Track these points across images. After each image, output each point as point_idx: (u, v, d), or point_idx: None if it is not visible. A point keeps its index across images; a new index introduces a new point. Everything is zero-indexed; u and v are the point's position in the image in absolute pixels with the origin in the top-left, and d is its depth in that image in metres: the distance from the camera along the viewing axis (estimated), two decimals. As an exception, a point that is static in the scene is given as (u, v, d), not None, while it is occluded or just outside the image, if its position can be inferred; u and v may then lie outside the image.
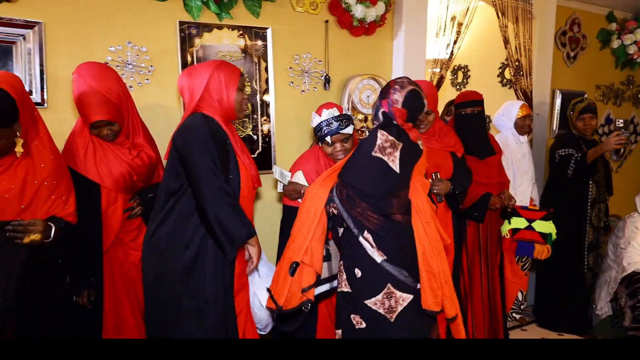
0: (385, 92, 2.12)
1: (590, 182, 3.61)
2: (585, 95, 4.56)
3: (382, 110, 2.10)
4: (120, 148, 2.21)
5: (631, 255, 3.51)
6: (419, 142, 2.17)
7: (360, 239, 2.01)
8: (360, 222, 2.01)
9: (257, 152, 3.01)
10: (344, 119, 2.41)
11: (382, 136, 2.01)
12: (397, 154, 2.01)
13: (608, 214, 3.78)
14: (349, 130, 2.41)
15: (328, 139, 2.38)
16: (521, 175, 3.55)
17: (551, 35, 4.25)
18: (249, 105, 2.94)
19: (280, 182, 2.48)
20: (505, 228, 3.08)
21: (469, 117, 3.08)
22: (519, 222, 3.02)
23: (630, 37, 4.74)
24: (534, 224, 2.97)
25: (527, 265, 3.58)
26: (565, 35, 4.48)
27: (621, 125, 3.32)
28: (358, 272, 2.04)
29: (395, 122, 2.07)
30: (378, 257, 1.99)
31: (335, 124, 2.38)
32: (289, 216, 2.47)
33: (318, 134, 2.45)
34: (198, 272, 1.96)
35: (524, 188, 3.55)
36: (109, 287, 2.24)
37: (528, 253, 3.04)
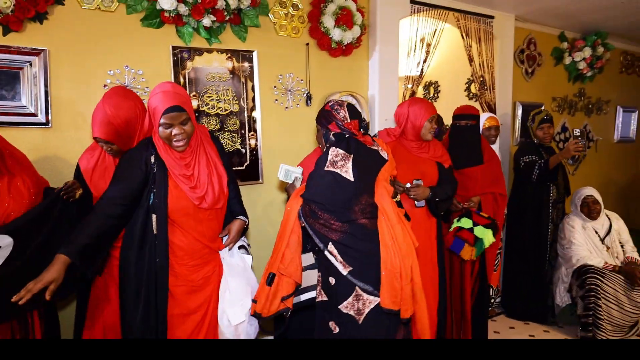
0: (328, 118, 2.18)
1: (551, 185, 3.78)
2: (543, 107, 4.74)
3: (332, 133, 2.17)
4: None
5: (576, 251, 3.67)
6: (379, 149, 2.20)
7: (325, 252, 2.02)
8: (324, 236, 2.02)
9: (246, 164, 3.09)
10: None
11: (332, 152, 2.07)
12: (350, 164, 2.04)
13: (565, 213, 3.96)
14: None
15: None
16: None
17: (510, 53, 4.41)
18: (237, 121, 3.03)
19: (286, 182, 2.48)
20: (454, 225, 3.12)
21: (463, 128, 3.24)
22: (465, 223, 3.08)
23: (579, 55, 4.92)
24: (475, 228, 3.05)
25: (495, 261, 3.71)
26: (523, 53, 4.65)
27: (578, 134, 3.49)
28: (332, 280, 2.05)
29: (347, 137, 2.12)
30: (343, 269, 1.99)
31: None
32: None
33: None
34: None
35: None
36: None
37: (457, 249, 3.04)
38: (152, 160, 1.99)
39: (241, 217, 2.27)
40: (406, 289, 1.99)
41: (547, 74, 4.90)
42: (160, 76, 2.76)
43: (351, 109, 2.19)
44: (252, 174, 3.11)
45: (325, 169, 2.05)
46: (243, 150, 3.08)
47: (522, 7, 4.21)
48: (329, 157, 2.06)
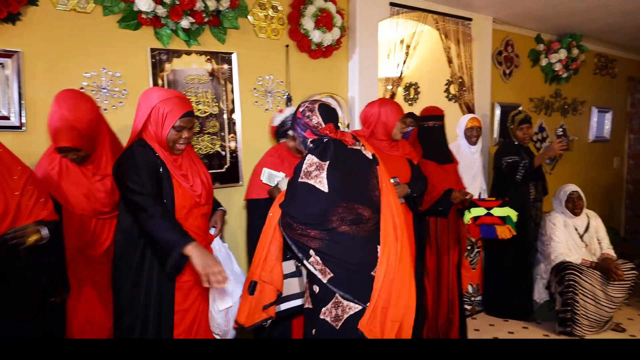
0: (302, 125, 2.06)
1: (530, 184, 3.80)
2: (521, 108, 4.77)
3: (309, 140, 2.05)
4: (85, 172, 2.19)
5: (555, 248, 3.70)
6: (362, 148, 2.08)
7: (305, 262, 1.94)
8: (303, 245, 1.93)
9: (226, 166, 3.04)
10: None
11: (307, 161, 1.96)
12: (324, 174, 1.92)
13: (542, 212, 3.98)
14: None
15: (291, 132, 2.43)
16: (471, 179, 3.70)
17: (489, 55, 4.43)
18: (217, 123, 2.98)
19: (268, 185, 2.47)
20: (467, 217, 3.09)
21: (431, 129, 3.23)
22: (478, 211, 3.06)
23: (555, 56, 4.95)
24: (492, 211, 3.03)
25: (475, 260, 3.72)
26: (501, 54, 4.67)
27: (561, 133, 3.52)
28: (316, 288, 1.97)
29: (325, 141, 2.01)
30: (323, 277, 1.90)
31: None
32: (252, 209, 2.57)
33: (282, 130, 2.50)
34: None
35: (473, 191, 3.68)
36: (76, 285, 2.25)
37: (491, 234, 3.04)
38: (158, 162, 2.03)
39: (221, 208, 2.42)
40: (389, 329, 1.90)
41: (525, 75, 4.93)
42: (139, 78, 2.69)
43: (324, 111, 2.05)
44: (232, 176, 3.05)
45: (299, 180, 1.94)
46: (223, 153, 3.03)
47: (500, 10, 4.22)
48: (304, 167, 1.95)
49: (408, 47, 3.93)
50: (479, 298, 4.03)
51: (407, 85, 4.99)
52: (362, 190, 1.99)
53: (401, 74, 3.92)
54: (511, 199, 3.65)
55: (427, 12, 3.88)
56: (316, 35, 3.18)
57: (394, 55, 3.94)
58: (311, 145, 2.03)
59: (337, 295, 1.91)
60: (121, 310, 2.04)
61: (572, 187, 3.86)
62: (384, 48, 3.83)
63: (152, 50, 2.72)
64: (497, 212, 3.01)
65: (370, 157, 2.07)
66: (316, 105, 2.05)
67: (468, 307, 3.91)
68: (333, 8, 3.25)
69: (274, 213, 2.06)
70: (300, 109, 2.07)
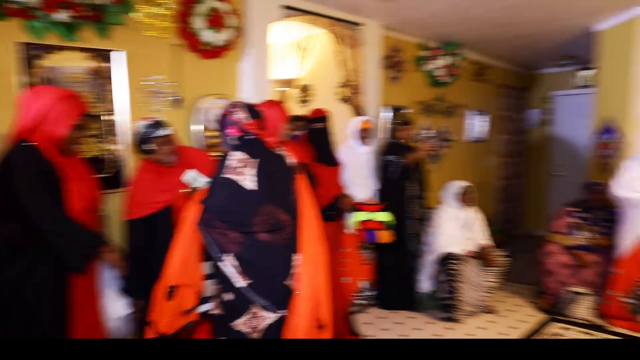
0: (226, 122, 2.01)
1: (408, 181, 4.02)
2: (407, 110, 5.05)
3: (230, 137, 2.00)
4: None
5: (441, 239, 3.98)
6: (285, 154, 2.07)
7: (220, 263, 1.88)
8: (221, 246, 1.86)
9: (107, 170, 2.84)
10: (158, 123, 2.39)
11: (231, 157, 1.92)
12: (253, 171, 1.88)
13: (425, 207, 4.22)
14: (167, 131, 2.39)
15: (151, 144, 2.34)
16: (363, 179, 3.83)
17: (379, 59, 4.60)
18: (99, 125, 2.78)
19: (192, 186, 2.36)
20: (353, 221, 3.24)
21: (317, 130, 3.30)
22: (362, 216, 3.27)
23: (437, 63, 5.29)
24: (374, 215, 3.24)
25: (369, 257, 3.86)
26: (389, 59, 4.87)
27: (431, 135, 3.77)
28: (230, 296, 1.91)
29: (251, 139, 1.98)
30: (241, 282, 1.85)
31: (154, 129, 2.36)
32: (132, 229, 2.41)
33: (144, 143, 2.37)
34: None
35: (366, 191, 3.81)
36: None
37: (372, 239, 3.27)
38: (47, 163, 1.97)
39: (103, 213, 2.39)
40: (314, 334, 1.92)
41: (411, 79, 5.19)
42: (5, 75, 2.42)
43: (249, 108, 2.03)
44: (114, 181, 2.85)
45: (222, 175, 1.88)
46: (105, 156, 2.83)
47: (389, 17, 4.41)
48: (227, 162, 1.90)
49: (303, 49, 3.97)
50: (372, 293, 4.19)
51: (302, 87, 5.03)
52: (284, 195, 1.98)
53: (296, 76, 3.96)
54: (391, 197, 3.84)
55: (321, 17, 3.95)
56: (207, 35, 3.09)
57: (289, 57, 3.97)
58: (237, 142, 1.97)
59: (254, 303, 1.87)
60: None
61: (464, 183, 4.15)
62: (280, 50, 3.83)
63: (22, 44, 2.46)
64: (380, 217, 3.18)
65: (293, 164, 2.08)
66: (241, 103, 2.06)
67: (362, 302, 4.05)
68: (225, 8, 3.18)
69: (190, 212, 1.98)
70: (225, 108, 2.05)
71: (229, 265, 1.86)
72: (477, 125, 6.40)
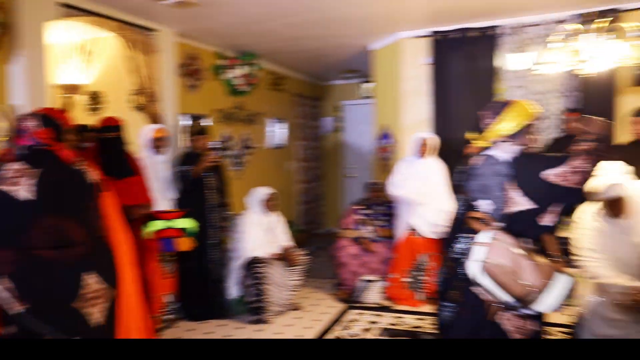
0: (18, 132, 1.88)
1: (206, 191, 4.00)
2: (207, 118, 5.04)
3: (20, 147, 1.85)
4: None
5: (246, 245, 4.09)
6: (84, 170, 1.95)
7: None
8: None
9: None
10: None
11: (5, 167, 1.75)
12: (31, 181, 1.73)
13: (227, 215, 4.25)
14: None
15: None
16: (162, 189, 3.70)
17: (174, 67, 4.50)
18: None
19: None
20: (148, 231, 3.10)
21: (108, 140, 3.10)
22: (158, 225, 3.13)
23: (235, 72, 5.40)
24: (172, 223, 3.13)
25: (171, 269, 3.72)
26: (186, 67, 4.79)
27: (216, 146, 3.84)
28: (12, 329, 1.69)
29: (37, 148, 1.83)
30: (17, 308, 1.65)
31: None
32: None
33: None
34: None
35: (165, 200, 3.69)
36: None
37: (170, 247, 3.15)
38: None
39: None
40: None
41: (210, 88, 5.20)
42: None
43: (45, 118, 1.89)
44: None
45: None
46: None
47: (183, 25, 4.34)
48: (1, 173, 1.72)
49: (89, 53, 3.65)
50: (177, 305, 4.05)
51: (90, 93, 4.62)
52: (78, 209, 1.85)
53: (82, 81, 3.62)
54: (190, 206, 3.79)
55: (107, 18, 3.68)
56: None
57: (72, 61, 3.60)
58: (26, 151, 1.81)
59: (39, 332, 1.67)
60: None
61: (268, 190, 4.28)
62: (62, 52, 3.46)
63: None
64: (179, 223, 3.12)
65: (94, 181, 1.96)
66: (40, 113, 1.92)
67: (169, 317, 3.89)
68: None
69: None
70: (19, 116, 1.92)
71: (2, 290, 1.64)
72: (277, 132, 6.72)
